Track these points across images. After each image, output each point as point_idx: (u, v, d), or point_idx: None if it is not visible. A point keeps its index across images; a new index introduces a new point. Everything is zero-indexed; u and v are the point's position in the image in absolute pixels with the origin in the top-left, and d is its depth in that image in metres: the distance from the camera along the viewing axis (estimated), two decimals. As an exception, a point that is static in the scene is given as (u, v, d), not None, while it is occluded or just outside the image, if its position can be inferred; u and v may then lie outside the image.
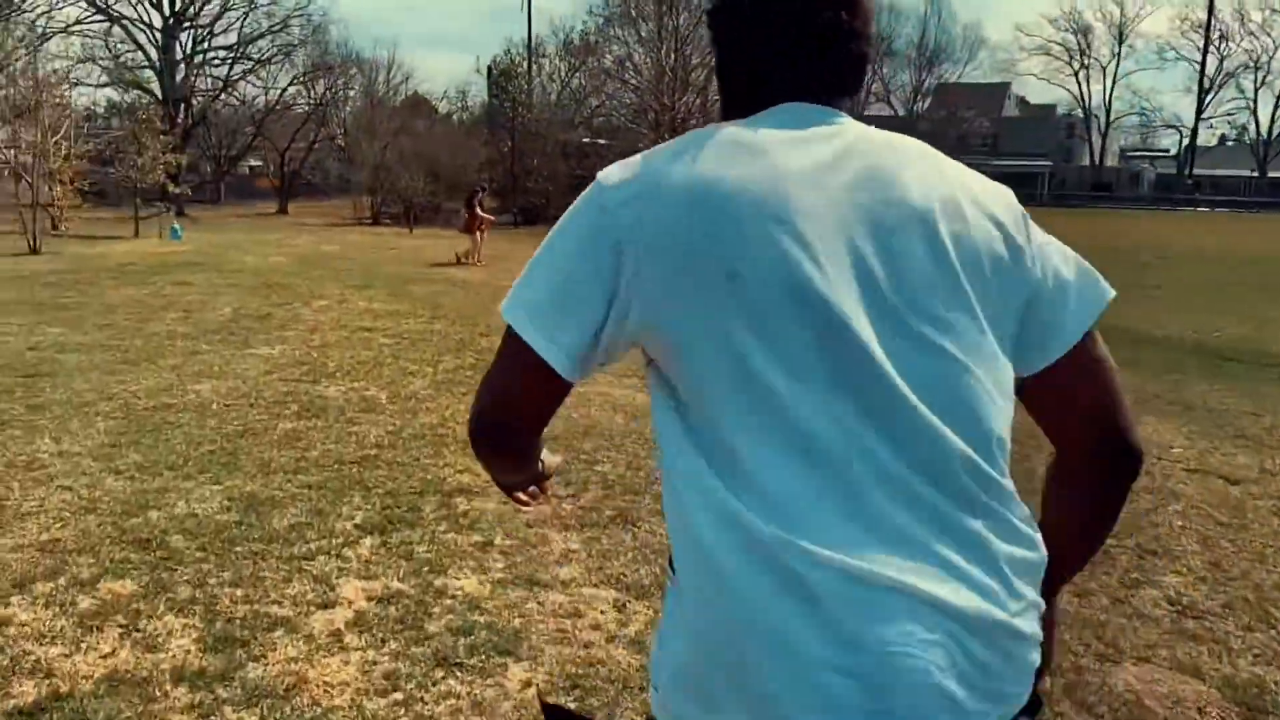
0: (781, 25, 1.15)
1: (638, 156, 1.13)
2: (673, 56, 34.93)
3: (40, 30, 37.39)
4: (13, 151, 24.79)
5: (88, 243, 19.89)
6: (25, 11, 37.72)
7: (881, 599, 0.98)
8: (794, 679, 0.98)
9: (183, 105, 40.91)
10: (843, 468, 1.00)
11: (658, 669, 1.14)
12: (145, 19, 40.75)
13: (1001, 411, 1.09)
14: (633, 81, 40.06)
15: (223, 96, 44.86)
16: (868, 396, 1.02)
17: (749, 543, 1.00)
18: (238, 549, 3.86)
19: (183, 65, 41.40)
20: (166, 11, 40.97)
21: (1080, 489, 1.20)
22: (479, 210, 18.17)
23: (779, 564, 0.98)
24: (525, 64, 41.55)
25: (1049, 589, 1.13)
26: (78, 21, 39.05)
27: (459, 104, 52.73)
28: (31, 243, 16.76)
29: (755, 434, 1.02)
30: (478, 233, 17.92)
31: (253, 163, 54.41)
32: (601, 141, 40.44)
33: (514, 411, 1.17)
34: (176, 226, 21.92)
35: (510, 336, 1.12)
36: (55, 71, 29.71)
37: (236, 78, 43.36)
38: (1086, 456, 1.18)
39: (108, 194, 27.31)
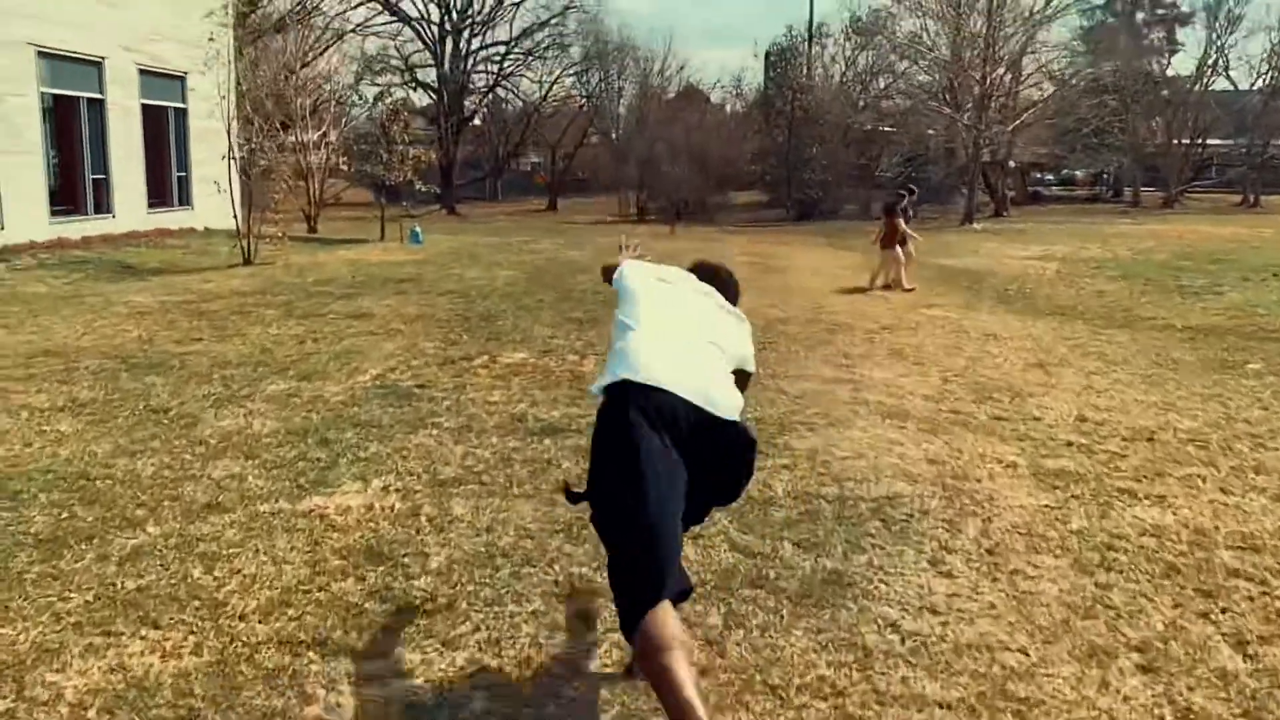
0: None
1: None
2: (982, 23, 28.71)
3: (335, 31, 36.90)
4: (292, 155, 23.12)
5: (321, 248, 17.31)
6: (321, 14, 37.37)
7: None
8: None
9: (460, 101, 39.36)
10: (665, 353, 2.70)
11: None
12: (425, 15, 39.50)
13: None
14: (925, 60, 33.96)
15: (500, 92, 43.24)
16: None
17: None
18: None
19: (461, 61, 39.85)
20: (451, 11, 39.52)
21: None
22: (902, 222, 13.30)
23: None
24: (805, 44, 36.51)
25: None
26: (364, 22, 38.26)
27: (733, 91, 48.36)
28: (245, 251, 14.10)
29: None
30: (899, 249, 13.03)
31: (533, 159, 53.00)
32: (888, 129, 34.84)
33: None
34: (417, 230, 19.09)
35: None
36: (355, 72, 28.09)
37: (510, 71, 41.37)
38: None
39: (399, 193, 24.91)
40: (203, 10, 13.71)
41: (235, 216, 14.26)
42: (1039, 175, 45.71)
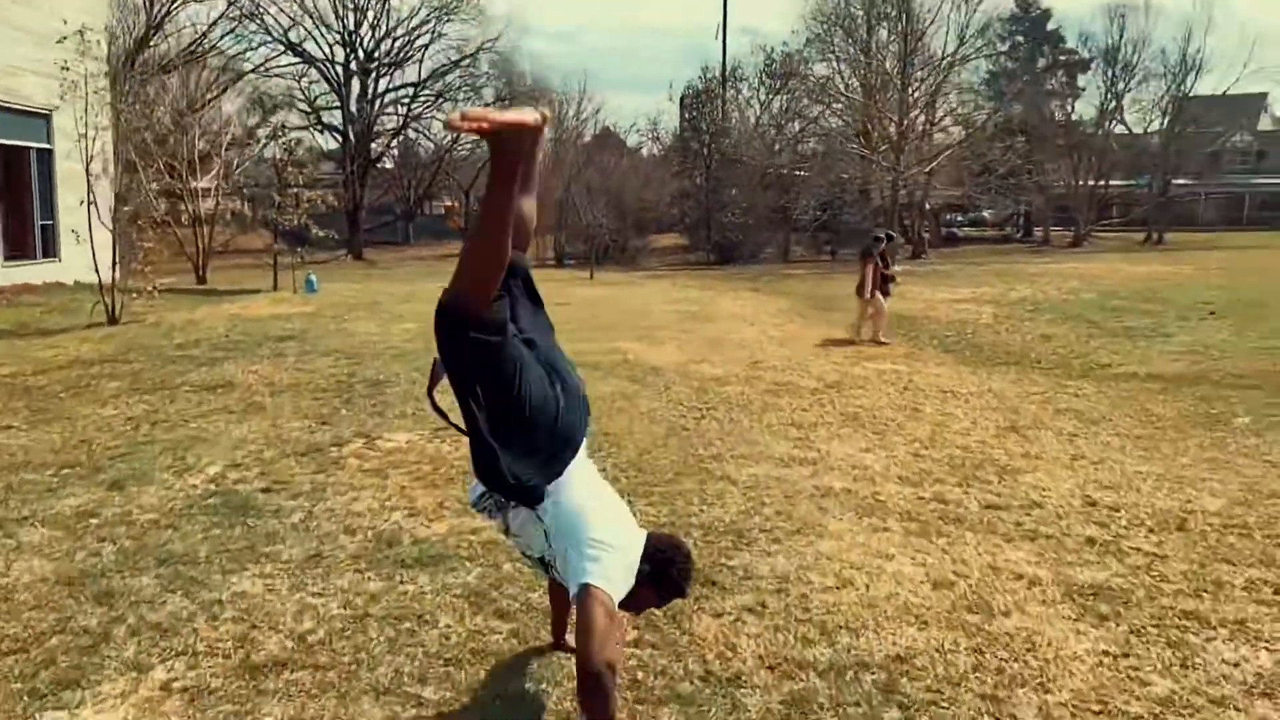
0: None
1: None
2: (894, 66, 28.41)
3: (234, 72, 35.04)
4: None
5: (204, 302, 15.54)
6: (220, 54, 35.47)
7: None
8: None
9: (367, 144, 37.72)
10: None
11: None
12: (330, 56, 37.84)
13: None
14: (840, 103, 33.58)
15: (411, 135, 41.72)
16: None
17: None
18: None
19: (369, 103, 38.24)
20: (358, 52, 37.94)
21: None
22: (879, 267, 11.71)
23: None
24: (720, 88, 35.89)
25: None
26: (265, 63, 36.45)
27: (649, 134, 47.60)
28: (109, 309, 12.32)
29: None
30: (878, 297, 11.54)
31: (446, 202, 51.38)
32: (802, 173, 34.34)
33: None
34: (312, 278, 17.42)
35: None
36: (246, 109, 26.01)
37: (419, 113, 39.93)
38: None
39: (303, 238, 22.65)
40: (67, 40, 12.01)
41: (97, 270, 12.47)
42: (950, 217, 46.00)
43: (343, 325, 12.15)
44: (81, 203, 12.57)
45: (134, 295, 13.06)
